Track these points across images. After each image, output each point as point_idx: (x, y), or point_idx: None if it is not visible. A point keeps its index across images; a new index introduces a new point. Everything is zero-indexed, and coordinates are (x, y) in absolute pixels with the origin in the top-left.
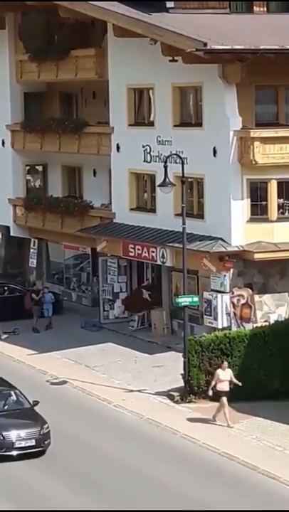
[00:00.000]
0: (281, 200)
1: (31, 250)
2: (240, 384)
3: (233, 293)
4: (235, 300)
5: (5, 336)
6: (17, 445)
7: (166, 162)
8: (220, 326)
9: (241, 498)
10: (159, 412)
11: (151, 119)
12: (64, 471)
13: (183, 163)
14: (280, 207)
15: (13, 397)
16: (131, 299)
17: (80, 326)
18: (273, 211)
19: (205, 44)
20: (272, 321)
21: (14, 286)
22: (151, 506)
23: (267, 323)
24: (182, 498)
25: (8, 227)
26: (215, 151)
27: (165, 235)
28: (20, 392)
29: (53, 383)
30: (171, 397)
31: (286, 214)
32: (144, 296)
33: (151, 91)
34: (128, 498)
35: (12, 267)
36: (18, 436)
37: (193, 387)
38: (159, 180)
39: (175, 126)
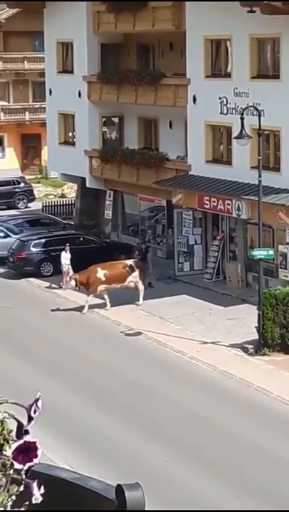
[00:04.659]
0: None
1: (107, 202)
2: None
3: None
4: None
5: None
6: None
7: (242, 114)
8: None
9: None
10: (233, 364)
11: (228, 70)
12: (138, 421)
13: (260, 116)
14: None
15: None
16: (84, 276)
17: (155, 278)
18: None
19: None
20: None
21: (90, 238)
22: (224, 458)
23: None
24: (254, 450)
25: (84, 179)
26: None
27: (241, 187)
28: None
29: (127, 334)
30: (245, 350)
31: None
32: (97, 274)
33: (228, 42)
34: (201, 450)
35: (88, 218)
36: None
37: (268, 340)
38: (235, 133)
39: (252, 77)
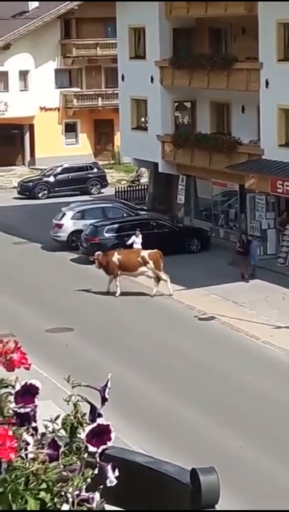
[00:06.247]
0: None
1: (179, 187)
2: None
3: None
4: None
5: None
6: None
7: None
8: None
9: None
10: None
11: None
12: (212, 405)
13: None
14: None
15: None
16: (104, 258)
17: (228, 263)
18: None
19: None
20: None
21: (162, 222)
22: None
23: None
24: None
25: (156, 164)
26: None
27: None
28: None
29: (200, 319)
30: None
31: None
32: (113, 258)
33: None
34: (275, 435)
35: (160, 203)
36: None
37: None
38: None
39: None
